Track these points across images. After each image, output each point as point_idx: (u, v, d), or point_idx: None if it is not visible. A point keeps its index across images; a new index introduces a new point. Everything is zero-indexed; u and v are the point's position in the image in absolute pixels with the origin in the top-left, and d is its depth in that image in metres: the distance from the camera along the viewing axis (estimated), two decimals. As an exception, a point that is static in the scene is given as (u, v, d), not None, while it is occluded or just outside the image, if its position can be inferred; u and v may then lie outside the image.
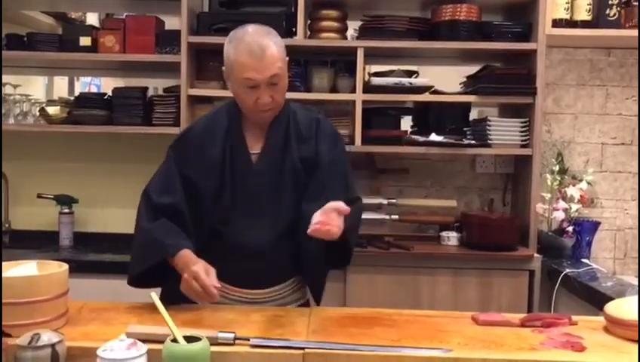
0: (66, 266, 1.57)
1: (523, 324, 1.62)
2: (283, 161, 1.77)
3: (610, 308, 1.58)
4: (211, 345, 1.32)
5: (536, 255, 2.61)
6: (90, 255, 2.73)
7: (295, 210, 1.76)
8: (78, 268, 2.43)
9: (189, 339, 1.29)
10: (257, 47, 1.65)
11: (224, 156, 1.75)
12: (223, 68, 1.75)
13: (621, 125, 2.99)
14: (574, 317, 1.65)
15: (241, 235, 1.74)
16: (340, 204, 1.55)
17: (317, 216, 1.55)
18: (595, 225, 2.84)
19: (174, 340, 1.30)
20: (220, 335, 1.41)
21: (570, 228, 2.65)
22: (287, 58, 1.76)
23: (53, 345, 1.26)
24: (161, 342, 1.31)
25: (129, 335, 1.38)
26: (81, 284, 2.17)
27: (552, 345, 1.47)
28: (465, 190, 3.03)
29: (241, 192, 1.74)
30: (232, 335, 1.42)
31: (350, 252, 1.75)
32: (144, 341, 1.34)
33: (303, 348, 1.39)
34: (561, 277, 2.36)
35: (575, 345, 1.46)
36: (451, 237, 2.72)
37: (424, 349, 1.41)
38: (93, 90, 3.38)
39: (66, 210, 2.93)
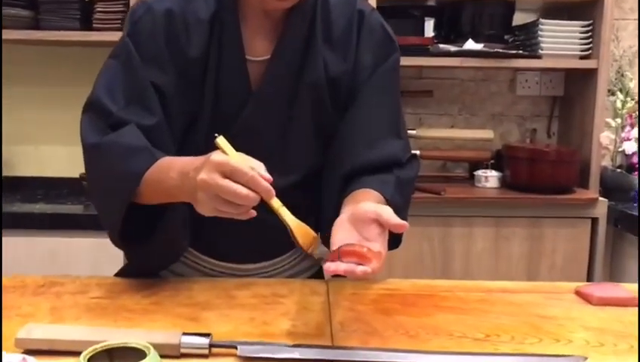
0: None
1: (661, 302, 1.04)
2: (300, 78, 1.08)
3: None
4: (169, 358, 0.71)
5: (600, 198, 2.03)
6: (17, 205, 2.08)
7: (314, 152, 1.13)
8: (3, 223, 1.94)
9: (126, 352, 0.71)
10: None
11: (206, 61, 1.05)
12: None
13: (697, 35, 2.37)
14: None
15: None
16: (387, 213, 0.88)
17: (340, 233, 0.90)
18: (664, 160, 2.26)
19: (97, 355, 0.69)
20: (186, 339, 0.80)
21: (644, 164, 2.05)
22: None
23: None
24: (75, 354, 0.71)
25: (20, 343, 0.79)
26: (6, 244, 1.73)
27: None
28: (500, 118, 2.41)
29: (229, 123, 1.06)
30: (206, 341, 0.80)
31: (399, 236, 1.09)
32: (42, 353, 0.76)
33: (332, 362, 0.78)
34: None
35: None
36: (490, 178, 2.13)
37: (548, 357, 0.81)
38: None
39: (-13, 149, 2.26)
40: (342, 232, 0.89)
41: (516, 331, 0.92)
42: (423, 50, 2.07)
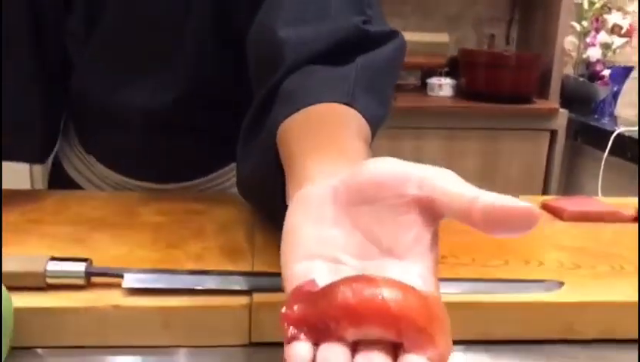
0: None
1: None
2: None
3: None
4: (33, 290, 0.56)
5: (560, 109, 1.89)
6: None
7: (213, 53, 0.81)
8: None
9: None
10: None
11: None
12: None
13: None
14: None
15: (115, 90, 0.84)
16: (452, 183, 0.37)
17: (309, 232, 0.39)
18: (627, 70, 2.12)
19: None
20: (53, 266, 0.60)
21: (607, 72, 1.90)
22: None
23: None
24: None
25: None
26: None
27: None
28: (456, 22, 2.21)
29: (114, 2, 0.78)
30: (81, 268, 0.61)
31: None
32: None
33: (249, 292, 0.60)
34: (612, 138, 1.63)
35: None
36: (444, 85, 1.96)
37: (517, 283, 0.66)
38: None
39: None
40: (313, 229, 0.39)
41: (478, 251, 0.76)
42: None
